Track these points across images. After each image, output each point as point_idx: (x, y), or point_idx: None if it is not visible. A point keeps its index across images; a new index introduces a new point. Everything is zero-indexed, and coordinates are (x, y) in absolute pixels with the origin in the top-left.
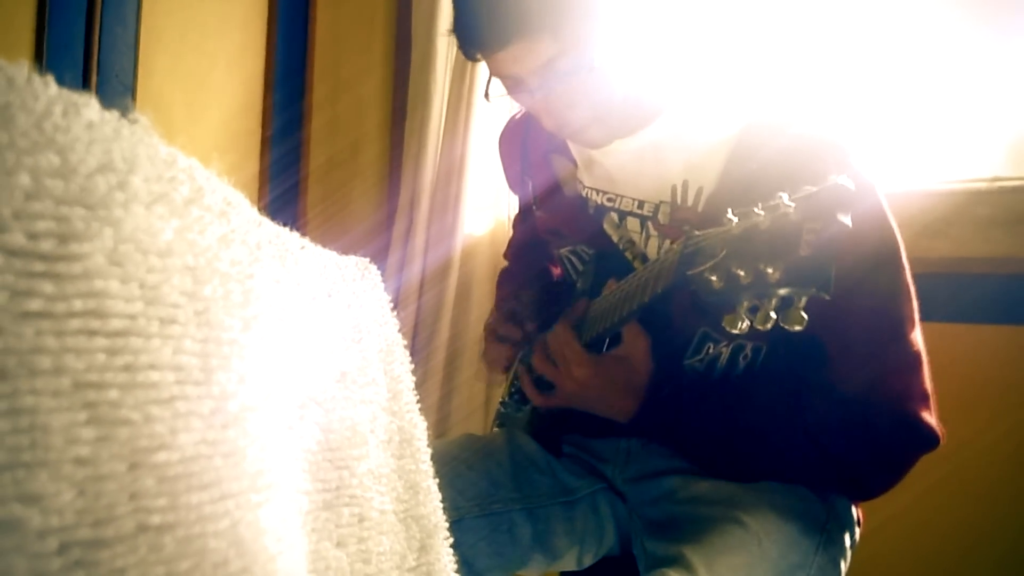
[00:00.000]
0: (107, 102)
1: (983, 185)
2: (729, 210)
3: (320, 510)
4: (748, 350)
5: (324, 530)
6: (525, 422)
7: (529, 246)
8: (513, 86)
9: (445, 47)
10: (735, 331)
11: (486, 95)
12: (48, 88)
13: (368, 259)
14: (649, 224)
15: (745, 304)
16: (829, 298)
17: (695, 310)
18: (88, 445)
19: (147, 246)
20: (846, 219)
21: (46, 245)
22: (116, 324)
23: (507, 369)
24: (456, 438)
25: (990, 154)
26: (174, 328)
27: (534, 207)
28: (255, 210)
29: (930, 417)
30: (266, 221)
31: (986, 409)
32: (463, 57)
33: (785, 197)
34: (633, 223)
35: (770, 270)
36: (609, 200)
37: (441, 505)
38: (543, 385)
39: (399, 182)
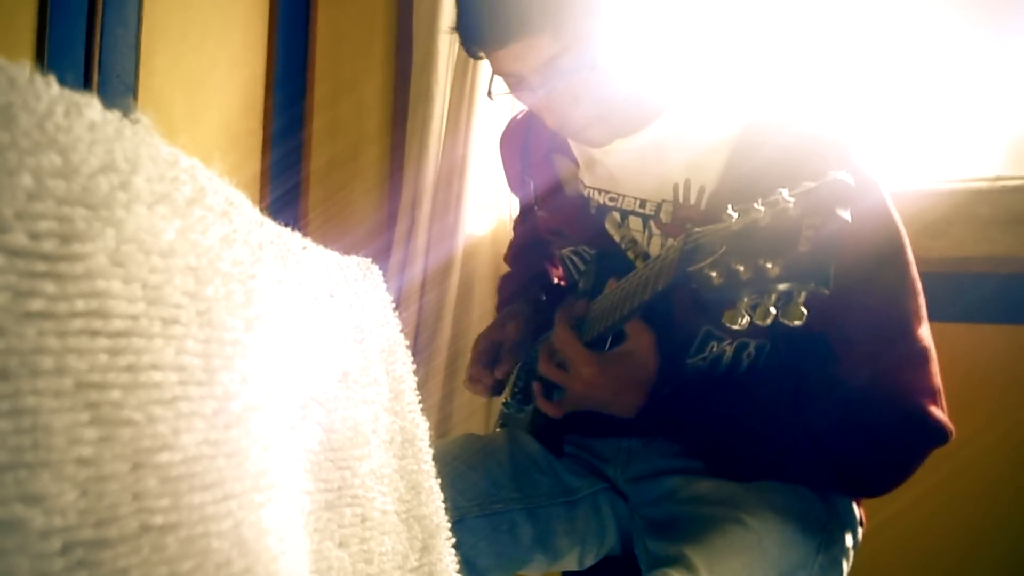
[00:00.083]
0: (108, 102)
1: (984, 185)
2: (729, 206)
3: (322, 510)
4: (752, 348)
5: (326, 530)
6: (527, 422)
7: (529, 248)
8: (515, 84)
9: (446, 47)
10: (735, 327)
11: (489, 94)
12: (50, 88)
13: (370, 259)
14: (651, 223)
15: (745, 300)
16: (828, 293)
17: (698, 308)
18: (90, 445)
19: (149, 246)
20: (845, 214)
21: (48, 245)
22: (118, 324)
23: (488, 397)
24: (457, 438)
25: (991, 153)
26: (176, 328)
27: (535, 207)
28: (257, 210)
29: (939, 412)
30: (268, 221)
31: (987, 409)
32: (464, 57)
33: (785, 193)
34: (635, 222)
35: (769, 265)
36: (611, 199)
37: (443, 505)
38: (550, 391)
39: (400, 182)
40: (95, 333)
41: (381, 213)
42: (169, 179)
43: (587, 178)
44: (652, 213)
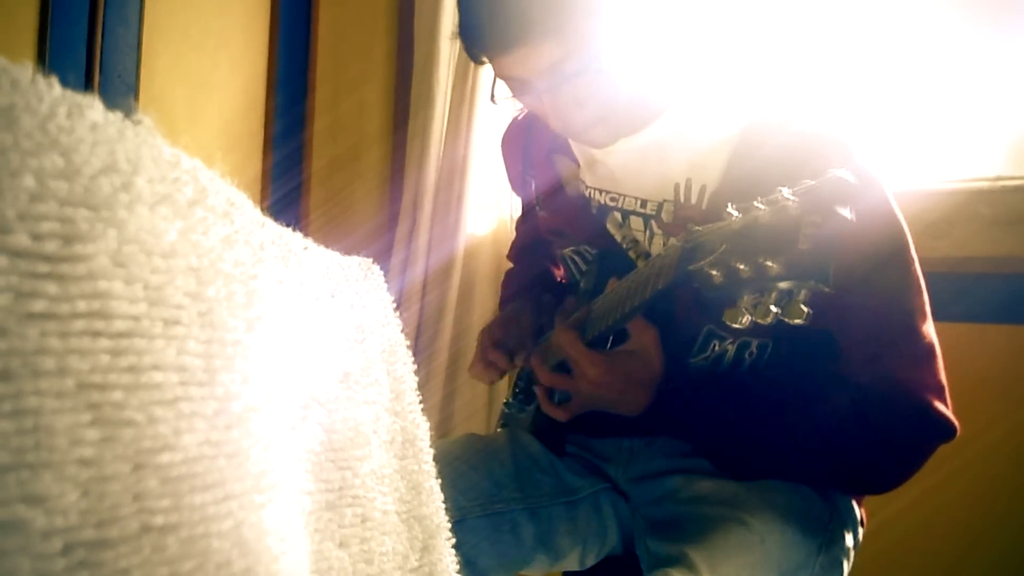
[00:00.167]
0: (110, 103)
1: (985, 184)
2: (730, 205)
3: (323, 510)
4: (754, 347)
5: (327, 530)
6: (529, 422)
7: (531, 247)
8: (519, 88)
9: (448, 48)
10: (736, 325)
11: (492, 98)
12: (52, 89)
13: (371, 260)
14: (652, 223)
15: (746, 298)
16: (829, 291)
17: (699, 308)
18: (92, 446)
19: (151, 247)
20: (846, 212)
21: (50, 246)
22: (120, 325)
23: (491, 383)
24: (459, 438)
25: (992, 153)
26: (178, 329)
27: (537, 207)
28: (258, 211)
29: (944, 408)
30: (269, 222)
31: (988, 408)
32: (466, 58)
33: (785, 191)
34: (636, 222)
35: (770, 264)
36: (612, 199)
37: (443, 505)
38: (551, 392)
39: (402, 183)
40: (97, 334)
41: (382, 214)
42: (171, 180)
43: (588, 178)
44: (653, 213)
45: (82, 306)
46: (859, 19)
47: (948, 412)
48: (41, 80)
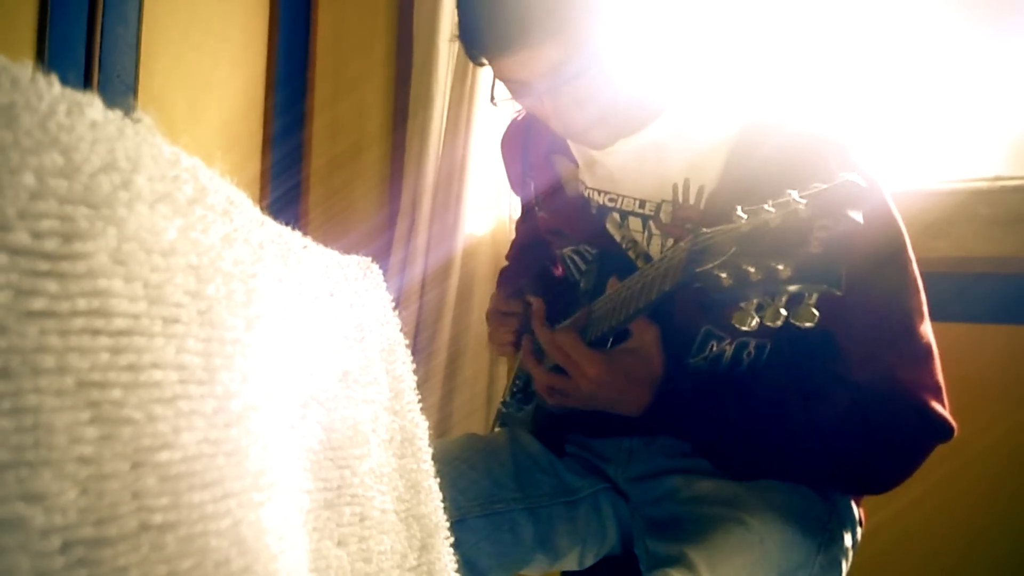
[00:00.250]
0: (109, 102)
1: (984, 184)
2: (738, 207)
3: (321, 509)
4: (752, 347)
5: (325, 529)
6: (527, 421)
7: (530, 247)
8: (518, 90)
9: (447, 48)
10: (745, 328)
11: (491, 99)
12: (52, 87)
13: (370, 259)
14: (651, 223)
15: (754, 301)
16: (840, 294)
17: (698, 308)
18: (91, 444)
19: (151, 245)
20: (857, 216)
21: (50, 244)
22: (120, 323)
23: (514, 346)
24: (458, 438)
25: (991, 153)
26: (177, 327)
27: (536, 208)
28: (257, 210)
29: (942, 408)
30: (268, 220)
31: (987, 409)
32: (465, 58)
33: (795, 194)
34: (635, 222)
35: (781, 267)
36: (611, 200)
37: (442, 504)
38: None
39: (401, 182)
40: (96, 332)
41: (381, 213)
42: (170, 178)
43: (587, 179)
44: (652, 213)
45: (82, 304)
46: (858, 19)
47: (945, 412)
48: (41, 78)
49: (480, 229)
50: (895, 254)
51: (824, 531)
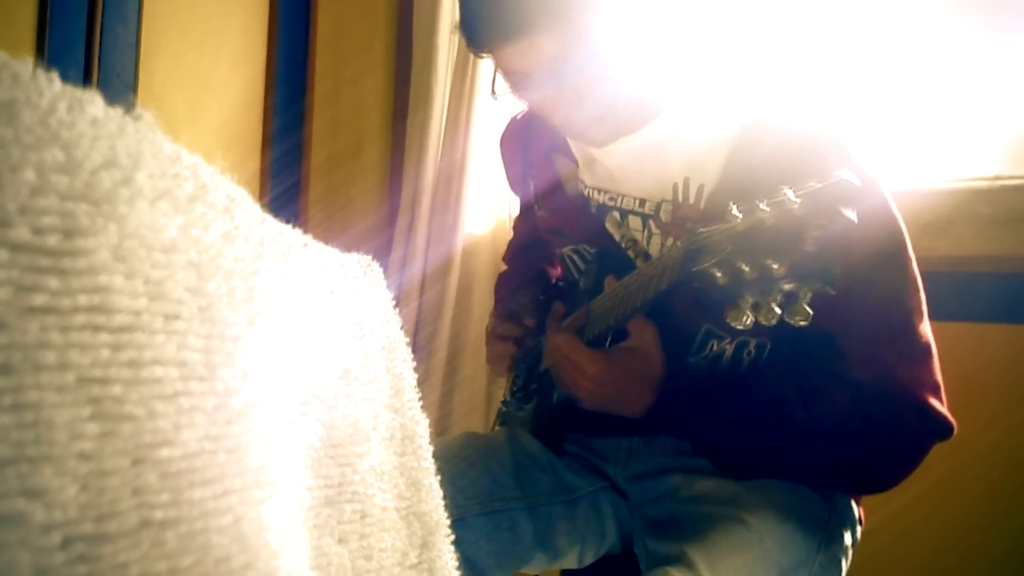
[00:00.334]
0: (109, 101)
1: (984, 184)
2: (733, 206)
3: (322, 506)
4: (752, 347)
5: (326, 526)
6: (527, 420)
7: (528, 247)
8: (519, 82)
9: (447, 46)
10: (739, 326)
11: (492, 93)
12: (53, 84)
13: (370, 257)
14: (651, 222)
15: (749, 299)
16: (834, 292)
17: (698, 307)
18: (92, 440)
19: (151, 242)
20: (851, 214)
21: (51, 240)
22: (120, 320)
23: (510, 369)
24: (458, 436)
25: (991, 152)
26: (178, 324)
27: (536, 207)
28: (258, 207)
29: (941, 406)
30: (269, 218)
31: (987, 408)
32: (464, 56)
33: (790, 193)
34: (635, 221)
35: (775, 265)
36: (610, 199)
37: (442, 502)
38: (549, 392)
39: (400, 180)
40: (97, 328)
41: (381, 211)
42: (171, 175)
43: (587, 177)
44: (651, 212)
45: (83, 300)
46: (858, 18)
47: (945, 410)
48: (42, 75)
49: (480, 228)
50: (895, 253)
51: (824, 530)
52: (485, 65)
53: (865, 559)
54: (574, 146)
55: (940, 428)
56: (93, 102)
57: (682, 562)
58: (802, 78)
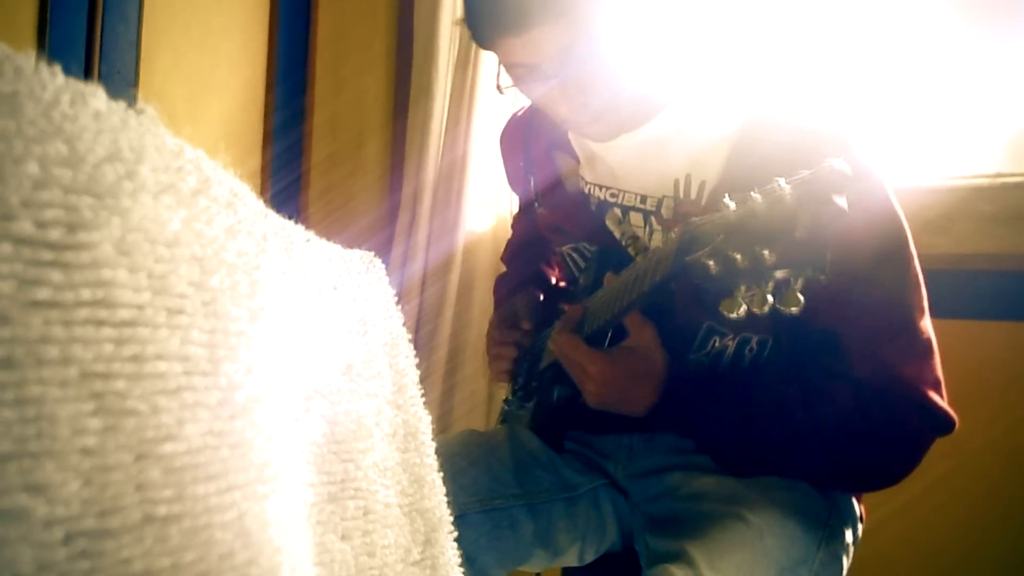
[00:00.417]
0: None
1: (985, 181)
2: (727, 196)
3: (325, 502)
4: (754, 343)
5: (329, 522)
6: (528, 418)
7: (527, 246)
8: (524, 75)
9: (447, 42)
10: (733, 315)
11: (497, 87)
12: (55, 77)
13: (372, 253)
14: (652, 219)
15: (743, 288)
16: (826, 279)
17: (699, 304)
18: (95, 435)
19: (155, 236)
20: (842, 201)
21: (54, 234)
22: (124, 314)
23: (510, 374)
24: (458, 434)
25: (992, 150)
26: (181, 318)
27: (536, 204)
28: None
29: (942, 401)
30: (272, 213)
31: (988, 406)
32: (465, 52)
33: (781, 181)
34: (636, 218)
35: (766, 253)
36: (612, 196)
37: (445, 499)
38: (551, 389)
39: (401, 177)
40: (100, 323)
41: (382, 208)
42: (174, 169)
43: (588, 174)
44: (653, 209)
45: (86, 294)
46: (859, 16)
47: (945, 405)
48: (45, 68)
49: (481, 225)
50: (897, 250)
51: (825, 527)
52: (486, 61)
53: (866, 556)
54: (575, 143)
55: (941, 423)
56: (96, 95)
57: (682, 559)
58: (804, 76)
